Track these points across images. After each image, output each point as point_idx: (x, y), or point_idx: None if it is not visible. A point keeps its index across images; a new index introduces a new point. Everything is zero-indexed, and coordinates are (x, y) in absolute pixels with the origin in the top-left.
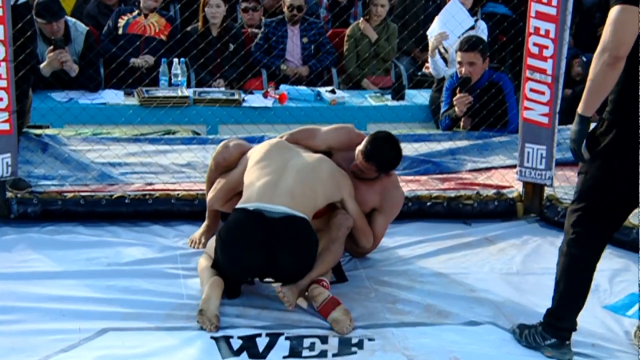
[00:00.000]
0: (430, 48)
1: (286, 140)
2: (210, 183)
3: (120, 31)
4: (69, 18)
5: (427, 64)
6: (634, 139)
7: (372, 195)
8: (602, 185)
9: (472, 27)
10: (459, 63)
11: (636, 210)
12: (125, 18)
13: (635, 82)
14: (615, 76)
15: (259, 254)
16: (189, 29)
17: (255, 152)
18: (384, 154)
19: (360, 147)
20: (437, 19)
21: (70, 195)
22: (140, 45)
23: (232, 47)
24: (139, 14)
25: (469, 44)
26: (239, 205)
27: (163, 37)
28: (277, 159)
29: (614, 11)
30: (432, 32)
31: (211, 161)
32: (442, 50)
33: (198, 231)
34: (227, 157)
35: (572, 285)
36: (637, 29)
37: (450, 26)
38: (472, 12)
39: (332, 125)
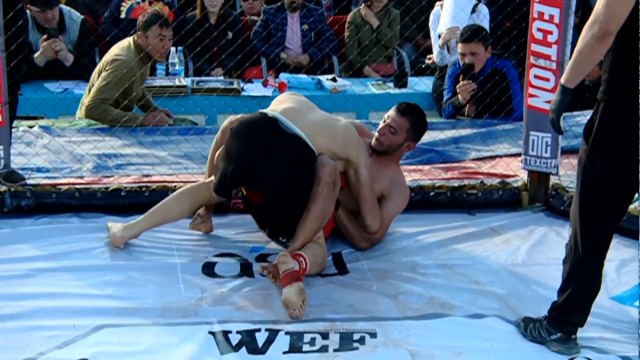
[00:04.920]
0: (440, 41)
1: None
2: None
3: (122, 15)
4: (63, 6)
5: (429, 56)
6: (629, 122)
7: (383, 177)
8: (599, 177)
9: (473, 11)
10: (462, 55)
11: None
12: (129, 2)
13: (630, 62)
14: (602, 50)
15: (255, 149)
16: (186, 16)
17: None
18: (419, 113)
19: (391, 110)
20: (445, 11)
21: (64, 188)
22: None
23: (230, 35)
24: (142, 0)
25: (469, 34)
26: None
27: None
28: (304, 101)
29: None
30: (443, 26)
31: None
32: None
33: None
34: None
35: (579, 283)
36: (630, 4)
37: (456, 16)
38: None
39: None
